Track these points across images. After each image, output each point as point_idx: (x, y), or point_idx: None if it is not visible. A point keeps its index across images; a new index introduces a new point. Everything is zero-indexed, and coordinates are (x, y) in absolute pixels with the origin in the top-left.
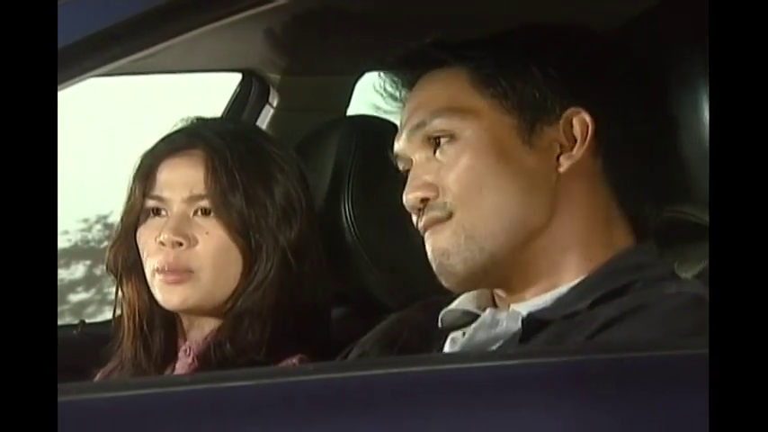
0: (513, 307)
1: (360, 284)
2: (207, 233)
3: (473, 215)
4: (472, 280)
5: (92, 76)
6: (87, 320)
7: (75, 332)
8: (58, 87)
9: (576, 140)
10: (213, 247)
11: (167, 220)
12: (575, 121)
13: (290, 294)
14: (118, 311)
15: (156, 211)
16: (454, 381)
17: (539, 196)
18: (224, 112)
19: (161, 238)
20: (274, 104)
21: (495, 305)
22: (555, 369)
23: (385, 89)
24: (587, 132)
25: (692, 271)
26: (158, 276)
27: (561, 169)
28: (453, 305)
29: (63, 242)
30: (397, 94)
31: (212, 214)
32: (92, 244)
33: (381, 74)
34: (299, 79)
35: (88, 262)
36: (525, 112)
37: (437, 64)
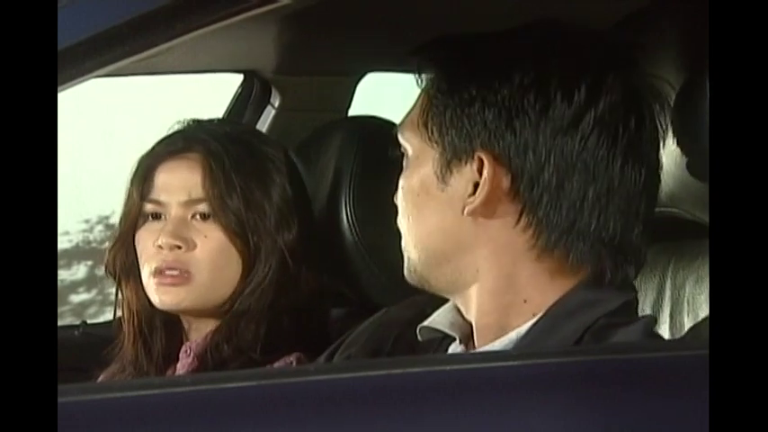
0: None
1: (361, 285)
2: (205, 236)
3: (405, 239)
4: (422, 290)
5: (94, 77)
6: (89, 321)
7: (76, 333)
8: (61, 88)
9: (485, 181)
10: (211, 250)
11: (165, 223)
12: (485, 162)
13: (287, 294)
14: (118, 314)
15: (155, 215)
16: (455, 381)
17: (452, 232)
18: (226, 113)
19: (159, 242)
20: (276, 105)
21: (468, 324)
22: (555, 370)
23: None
24: (490, 174)
25: (688, 267)
26: (155, 279)
27: (471, 209)
28: (428, 321)
29: (64, 243)
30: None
31: (210, 218)
32: (93, 245)
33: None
34: (301, 80)
35: (89, 263)
36: (445, 149)
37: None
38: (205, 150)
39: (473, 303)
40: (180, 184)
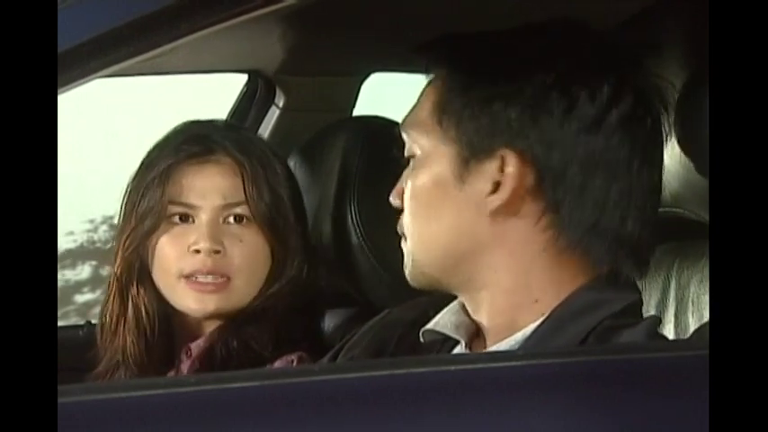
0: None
1: (365, 284)
2: (240, 240)
3: (415, 240)
4: (429, 289)
5: (98, 77)
6: (93, 321)
7: (80, 333)
8: (66, 88)
9: (509, 179)
10: (248, 254)
11: (198, 227)
12: (507, 161)
13: (303, 294)
14: (115, 315)
15: (184, 218)
16: (459, 382)
17: (470, 232)
18: (230, 113)
19: (197, 246)
20: (280, 105)
21: (474, 326)
22: (559, 370)
23: None
24: (514, 173)
25: (692, 267)
26: (188, 283)
27: (491, 208)
28: (432, 324)
29: (68, 243)
30: None
31: (244, 221)
32: (97, 245)
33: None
34: (305, 80)
35: (94, 262)
36: (463, 147)
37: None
38: (233, 153)
39: (485, 303)
40: (213, 187)
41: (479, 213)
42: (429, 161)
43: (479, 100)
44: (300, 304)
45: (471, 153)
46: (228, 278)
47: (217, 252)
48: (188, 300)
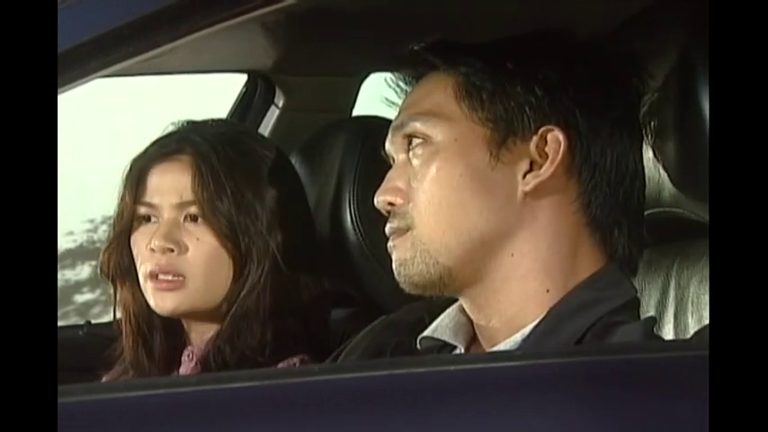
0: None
1: (365, 285)
2: (197, 239)
3: (431, 228)
4: (431, 289)
5: (98, 77)
6: (93, 321)
7: (80, 332)
8: (66, 88)
9: (547, 158)
10: (204, 253)
11: (158, 226)
12: (548, 139)
13: (287, 296)
14: (117, 315)
15: (147, 218)
16: (458, 382)
17: (500, 214)
18: (230, 113)
19: (152, 245)
20: (280, 105)
21: (472, 331)
22: (558, 371)
23: (386, 97)
24: (559, 151)
25: (692, 268)
26: (151, 283)
27: (527, 188)
28: (429, 331)
29: (68, 243)
30: (397, 97)
31: (200, 220)
32: (97, 245)
33: (387, 76)
34: (305, 80)
35: (94, 262)
36: (499, 126)
37: (432, 67)
38: (195, 152)
39: (494, 296)
40: (171, 186)
41: (511, 194)
42: (455, 145)
43: (521, 81)
44: (291, 307)
45: (510, 132)
46: (183, 276)
47: (171, 251)
48: (152, 298)
